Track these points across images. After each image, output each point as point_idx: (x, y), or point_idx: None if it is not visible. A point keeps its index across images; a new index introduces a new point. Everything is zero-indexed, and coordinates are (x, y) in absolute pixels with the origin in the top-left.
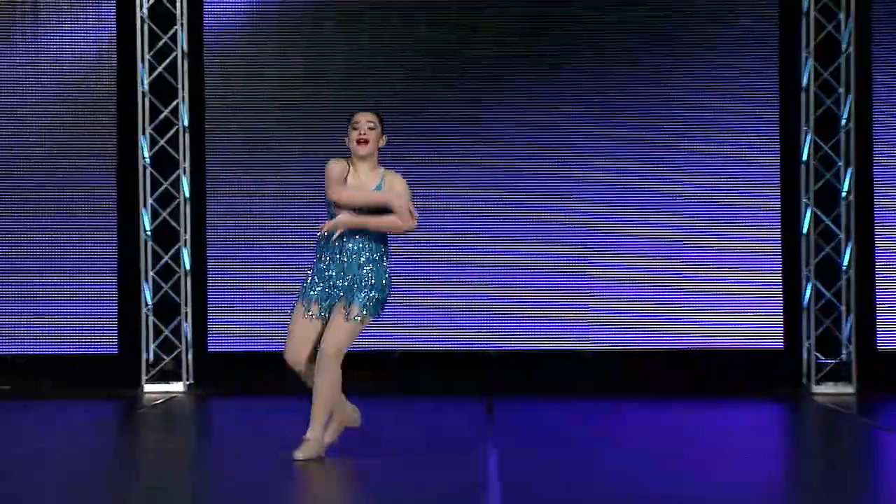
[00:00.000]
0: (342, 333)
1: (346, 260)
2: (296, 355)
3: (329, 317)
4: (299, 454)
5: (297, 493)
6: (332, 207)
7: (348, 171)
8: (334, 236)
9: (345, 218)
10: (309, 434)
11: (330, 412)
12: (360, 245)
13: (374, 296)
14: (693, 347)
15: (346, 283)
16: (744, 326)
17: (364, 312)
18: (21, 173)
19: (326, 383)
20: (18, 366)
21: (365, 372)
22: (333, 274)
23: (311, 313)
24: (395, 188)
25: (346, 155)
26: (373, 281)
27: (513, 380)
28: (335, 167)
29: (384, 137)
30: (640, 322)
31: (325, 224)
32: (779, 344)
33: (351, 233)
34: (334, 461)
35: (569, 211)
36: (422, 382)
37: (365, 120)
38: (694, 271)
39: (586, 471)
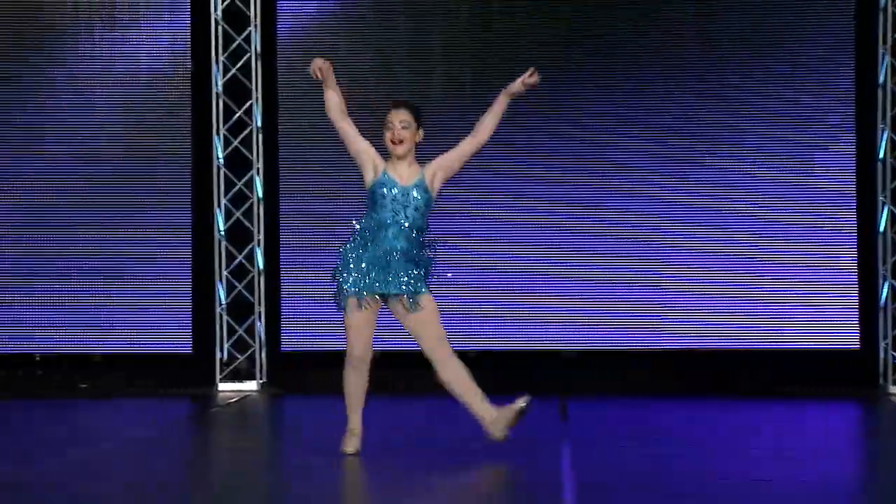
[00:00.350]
0: (431, 329)
1: (392, 256)
2: (366, 352)
3: (372, 303)
4: (497, 433)
5: (372, 493)
6: (374, 198)
7: (382, 167)
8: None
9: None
10: (486, 420)
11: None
12: (406, 245)
13: (421, 274)
14: (767, 346)
15: (396, 278)
16: (819, 325)
17: (426, 292)
18: (97, 174)
19: (459, 380)
20: (94, 364)
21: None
22: (382, 260)
23: (364, 306)
24: (434, 164)
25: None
26: (415, 268)
27: (587, 379)
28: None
29: (420, 132)
30: (712, 319)
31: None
32: (855, 343)
33: (403, 233)
34: (391, 463)
35: (635, 201)
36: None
37: (398, 120)
38: (768, 269)
39: (655, 470)
